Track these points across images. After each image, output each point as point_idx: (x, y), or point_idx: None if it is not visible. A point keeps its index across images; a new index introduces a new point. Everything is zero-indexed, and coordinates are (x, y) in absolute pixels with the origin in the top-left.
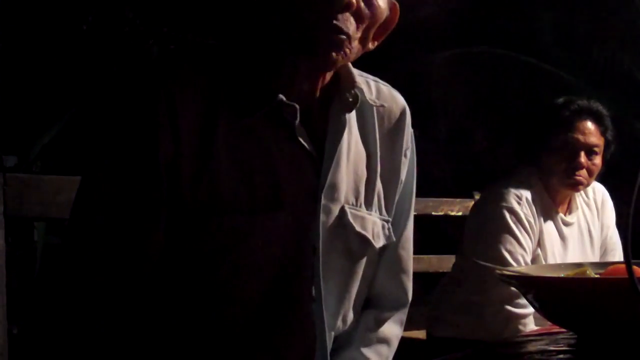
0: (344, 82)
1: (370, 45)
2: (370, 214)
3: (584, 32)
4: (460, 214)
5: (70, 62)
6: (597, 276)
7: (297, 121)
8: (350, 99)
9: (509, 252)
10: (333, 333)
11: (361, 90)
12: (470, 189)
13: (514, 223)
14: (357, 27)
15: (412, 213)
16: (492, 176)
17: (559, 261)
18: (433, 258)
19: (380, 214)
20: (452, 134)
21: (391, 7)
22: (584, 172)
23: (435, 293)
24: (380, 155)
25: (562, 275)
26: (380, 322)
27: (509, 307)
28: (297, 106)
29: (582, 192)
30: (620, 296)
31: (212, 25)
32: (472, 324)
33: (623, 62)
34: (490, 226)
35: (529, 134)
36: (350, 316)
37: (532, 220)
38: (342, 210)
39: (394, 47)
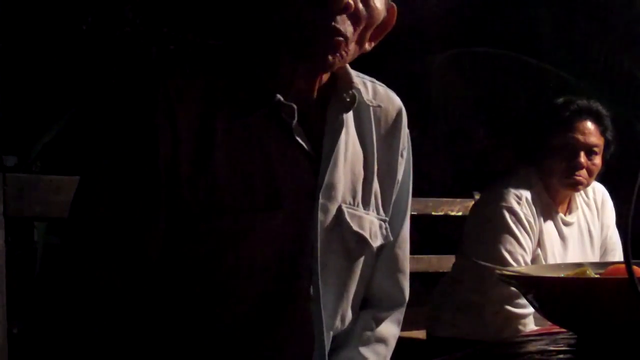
0: (341, 83)
1: (367, 47)
2: (368, 214)
3: (584, 32)
4: (460, 214)
5: (70, 63)
6: (597, 276)
7: (295, 121)
8: (348, 100)
9: (509, 252)
10: (331, 332)
11: (358, 90)
12: (470, 189)
13: (514, 223)
14: (355, 29)
15: (409, 213)
16: (492, 176)
17: (558, 261)
18: (433, 258)
19: (378, 213)
20: (452, 134)
21: (388, 9)
22: (583, 172)
23: (435, 293)
24: (377, 155)
25: (562, 275)
26: (378, 322)
27: (508, 307)
28: (295, 106)
29: (582, 192)
30: (620, 296)
31: (212, 26)
32: (472, 323)
33: (623, 62)
34: (490, 226)
35: (528, 134)
36: (349, 315)
37: (532, 220)
38: (340, 210)
39: (394, 48)
